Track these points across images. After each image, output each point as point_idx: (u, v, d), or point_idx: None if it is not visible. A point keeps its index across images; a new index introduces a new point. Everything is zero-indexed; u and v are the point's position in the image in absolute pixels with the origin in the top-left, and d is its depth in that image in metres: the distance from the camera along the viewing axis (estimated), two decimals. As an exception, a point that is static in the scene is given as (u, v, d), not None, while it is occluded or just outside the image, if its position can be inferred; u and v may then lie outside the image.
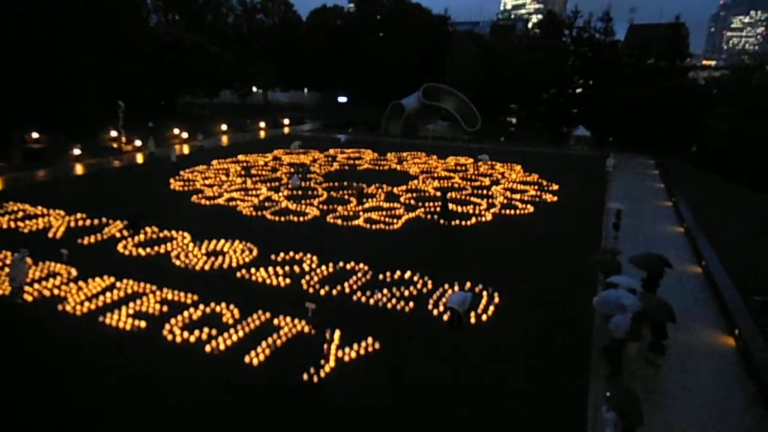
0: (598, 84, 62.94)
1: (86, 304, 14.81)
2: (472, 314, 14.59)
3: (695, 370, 12.52)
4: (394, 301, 15.46)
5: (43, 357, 12.26)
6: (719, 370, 12.60)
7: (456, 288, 15.99)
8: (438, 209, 24.87)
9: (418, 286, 16.55)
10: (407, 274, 17.33)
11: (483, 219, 24.88)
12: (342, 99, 76.05)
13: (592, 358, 12.66)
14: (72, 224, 21.96)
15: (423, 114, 56.65)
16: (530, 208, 26.90)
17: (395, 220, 23.98)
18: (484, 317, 14.69)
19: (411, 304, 15.31)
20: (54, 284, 15.97)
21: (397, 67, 68.71)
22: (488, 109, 63.29)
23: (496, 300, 15.66)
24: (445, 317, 14.48)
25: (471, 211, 25.82)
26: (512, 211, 26.30)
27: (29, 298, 15.12)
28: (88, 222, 22.26)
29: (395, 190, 29.83)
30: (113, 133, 43.11)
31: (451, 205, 25.51)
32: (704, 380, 12.10)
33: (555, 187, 31.83)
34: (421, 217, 24.70)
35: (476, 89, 61.01)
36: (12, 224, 21.76)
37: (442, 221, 24.03)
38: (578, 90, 66.67)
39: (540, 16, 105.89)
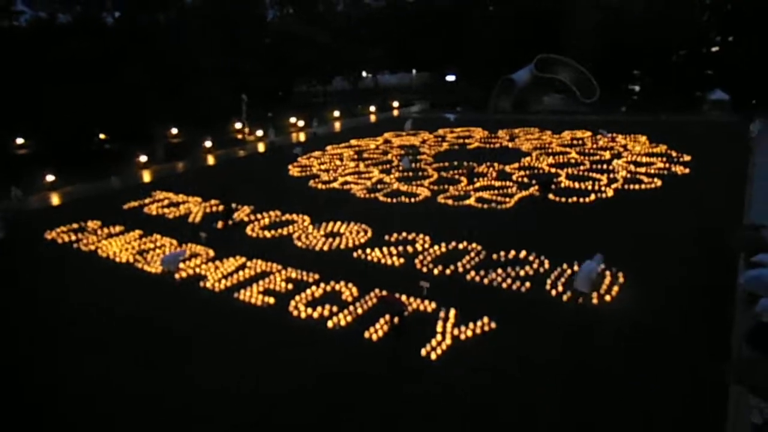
0: (738, 40, 55.69)
1: (223, 281, 16.39)
2: (595, 294, 13.94)
3: None
4: (509, 281, 15.26)
5: (187, 328, 13.84)
6: None
7: (575, 267, 15.35)
8: (541, 189, 23.85)
9: (534, 265, 16.13)
10: (522, 254, 16.95)
11: (604, 195, 23.47)
12: (450, 77, 75.21)
13: (732, 346, 11.56)
14: (207, 210, 24.25)
15: (535, 88, 54.21)
16: (658, 183, 24.85)
17: (507, 199, 23.46)
18: (607, 297, 13.98)
19: (527, 284, 15.00)
20: (196, 264, 17.84)
21: (507, 41, 66.19)
22: (608, 78, 58.81)
23: (621, 280, 14.80)
24: (565, 297, 14.01)
25: (590, 188, 24.45)
26: (637, 186, 24.49)
27: (178, 276, 17.08)
28: (220, 207, 24.37)
29: (507, 168, 29.08)
30: (238, 125, 46.68)
31: (567, 182, 24.34)
32: None
33: (687, 158, 29.03)
34: (535, 195, 23.90)
35: (596, 57, 56.88)
36: (159, 211, 24.55)
37: (551, 197, 23.20)
38: (714, 49, 59.51)
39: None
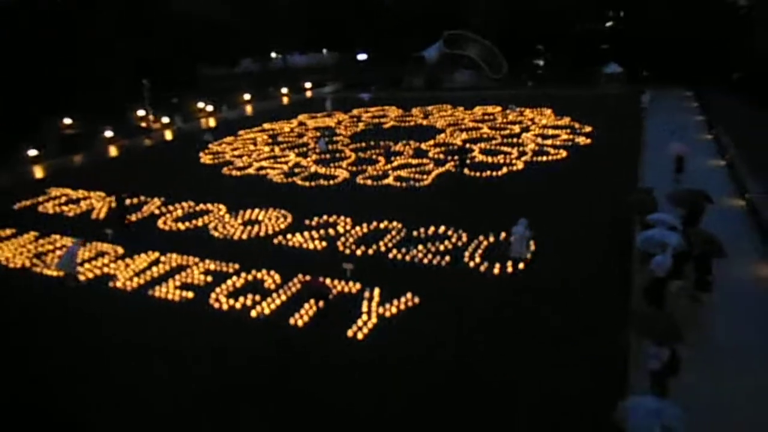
0: (628, 15, 59.67)
1: (135, 279, 15.49)
2: (509, 263, 14.62)
3: (740, 305, 12.32)
4: (430, 256, 15.60)
5: (97, 331, 12.98)
6: (765, 304, 12.37)
7: (491, 239, 15.98)
8: (457, 163, 24.75)
9: (453, 239, 16.61)
10: (441, 229, 17.38)
11: (515, 168, 24.51)
12: (361, 56, 74.68)
13: (632, 300, 12.57)
14: (113, 204, 22.67)
15: (446, 64, 55.26)
16: (563, 153, 26.30)
17: (425, 176, 23.88)
18: (521, 265, 14.69)
19: (447, 258, 15.42)
20: (103, 263, 16.70)
21: (416, 17, 66.63)
22: (513, 53, 61.01)
23: (533, 247, 15.57)
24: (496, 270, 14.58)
25: (502, 161, 25.43)
26: (545, 158, 25.78)
27: (82, 278, 15.87)
28: (127, 201, 22.89)
29: (423, 145, 29.54)
30: (141, 113, 43.83)
31: (480, 156, 25.29)
32: (749, 314, 11.91)
33: (588, 129, 30.90)
34: (452, 171, 24.51)
35: (500, 32, 58.69)
36: (57, 209, 22.66)
37: (465, 171, 24.05)
38: (608, 24, 63.48)
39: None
